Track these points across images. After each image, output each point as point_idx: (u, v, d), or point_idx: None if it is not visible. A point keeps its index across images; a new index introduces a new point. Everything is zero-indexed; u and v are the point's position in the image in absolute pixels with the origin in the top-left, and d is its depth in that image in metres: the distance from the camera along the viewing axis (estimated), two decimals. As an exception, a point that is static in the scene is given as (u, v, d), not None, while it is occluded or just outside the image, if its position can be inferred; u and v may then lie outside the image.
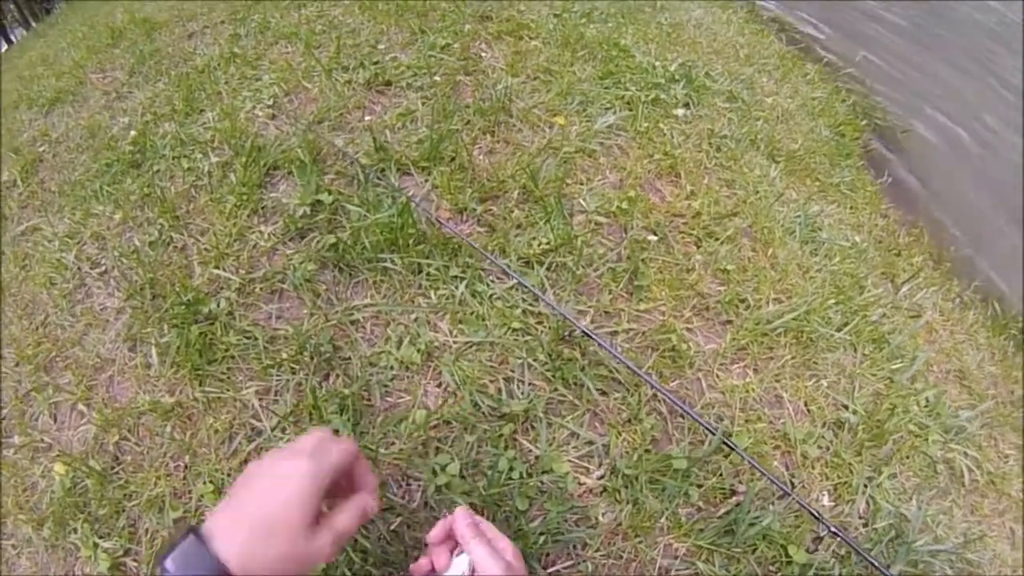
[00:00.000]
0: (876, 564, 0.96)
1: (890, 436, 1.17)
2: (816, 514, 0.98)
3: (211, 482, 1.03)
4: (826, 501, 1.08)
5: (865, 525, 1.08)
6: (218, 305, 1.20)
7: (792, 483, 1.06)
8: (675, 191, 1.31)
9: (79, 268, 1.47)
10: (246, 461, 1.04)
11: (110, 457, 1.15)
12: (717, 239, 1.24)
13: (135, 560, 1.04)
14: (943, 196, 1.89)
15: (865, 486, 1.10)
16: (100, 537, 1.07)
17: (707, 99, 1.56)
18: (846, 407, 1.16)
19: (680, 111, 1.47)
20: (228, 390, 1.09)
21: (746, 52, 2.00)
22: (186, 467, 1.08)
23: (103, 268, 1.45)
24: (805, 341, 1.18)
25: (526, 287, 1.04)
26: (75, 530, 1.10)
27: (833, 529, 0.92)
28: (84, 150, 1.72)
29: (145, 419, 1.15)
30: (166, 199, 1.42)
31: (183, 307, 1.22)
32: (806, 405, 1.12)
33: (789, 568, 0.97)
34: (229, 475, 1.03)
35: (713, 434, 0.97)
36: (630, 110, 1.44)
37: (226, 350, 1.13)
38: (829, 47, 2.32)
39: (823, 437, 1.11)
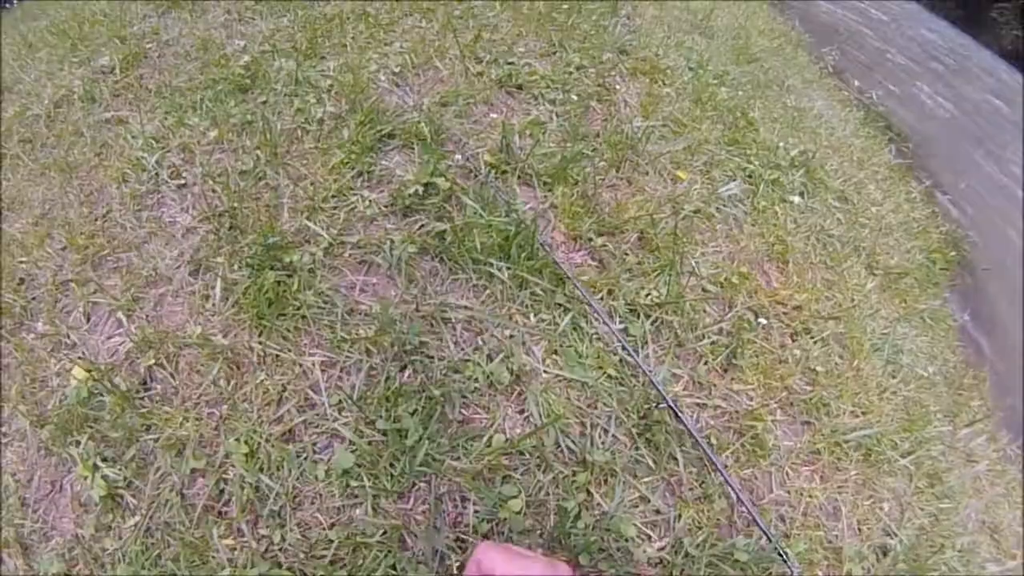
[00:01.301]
0: None
1: (928, 573, 1.14)
2: None
3: (246, 443, 0.96)
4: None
5: None
6: (301, 258, 1.14)
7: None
8: (781, 278, 1.28)
9: (157, 174, 1.41)
10: (291, 431, 0.98)
11: (139, 380, 1.08)
12: (812, 338, 1.21)
13: (134, 496, 0.96)
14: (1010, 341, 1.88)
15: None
16: (103, 460, 1.00)
17: (821, 193, 1.55)
18: (894, 534, 1.13)
19: (796, 198, 1.45)
20: (290, 351, 1.03)
21: (859, 155, 2.00)
22: (221, 418, 1.01)
23: (184, 181, 1.38)
24: (872, 460, 1.15)
25: (623, 343, 1.00)
26: (77, 443, 1.03)
27: None
28: (192, 60, 1.67)
29: (188, 352, 1.08)
30: (270, 132, 1.37)
31: (263, 248, 1.16)
32: (859, 524, 1.08)
33: None
34: (268, 441, 0.97)
35: (770, 540, 0.93)
36: (751, 184, 1.43)
37: (298, 308, 1.07)
38: (936, 173, 2.29)
39: (867, 558, 1.07)
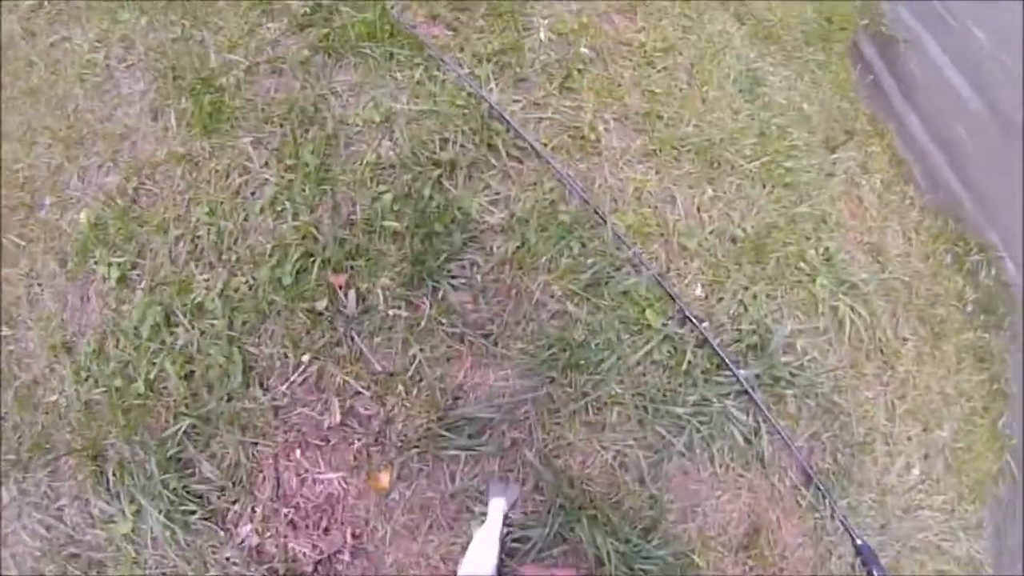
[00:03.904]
0: (722, 355, 1.16)
1: (773, 257, 1.34)
2: (669, 291, 1.19)
3: (208, 207, 1.33)
4: (699, 292, 1.28)
5: (732, 326, 1.27)
6: (228, 80, 1.47)
7: (668, 268, 1.26)
8: (628, 25, 1.45)
9: (108, 65, 1.73)
10: (236, 191, 1.33)
11: (129, 199, 1.43)
12: (654, 67, 1.39)
13: (138, 274, 1.34)
14: (927, 115, 1.88)
15: (738, 292, 1.29)
16: (114, 256, 1.36)
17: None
18: (736, 224, 1.33)
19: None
20: (230, 142, 1.38)
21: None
22: (190, 199, 1.38)
23: (130, 63, 1.68)
24: (712, 162, 1.34)
25: (465, 79, 1.25)
26: (95, 259, 1.37)
27: (684, 309, 1.12)
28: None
29: (161, 168, 1.43)
30: (189, 3, 1.67)
31: (200, 82, 1.49)
32: (698, 210, 1.30)
33: (647, 332, 1.19)
34: (222, 202, 1.33)
35: (586, 202, 1.18)
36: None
37: (231, 113, 1.40)
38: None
39: (706, 239, 1.29)
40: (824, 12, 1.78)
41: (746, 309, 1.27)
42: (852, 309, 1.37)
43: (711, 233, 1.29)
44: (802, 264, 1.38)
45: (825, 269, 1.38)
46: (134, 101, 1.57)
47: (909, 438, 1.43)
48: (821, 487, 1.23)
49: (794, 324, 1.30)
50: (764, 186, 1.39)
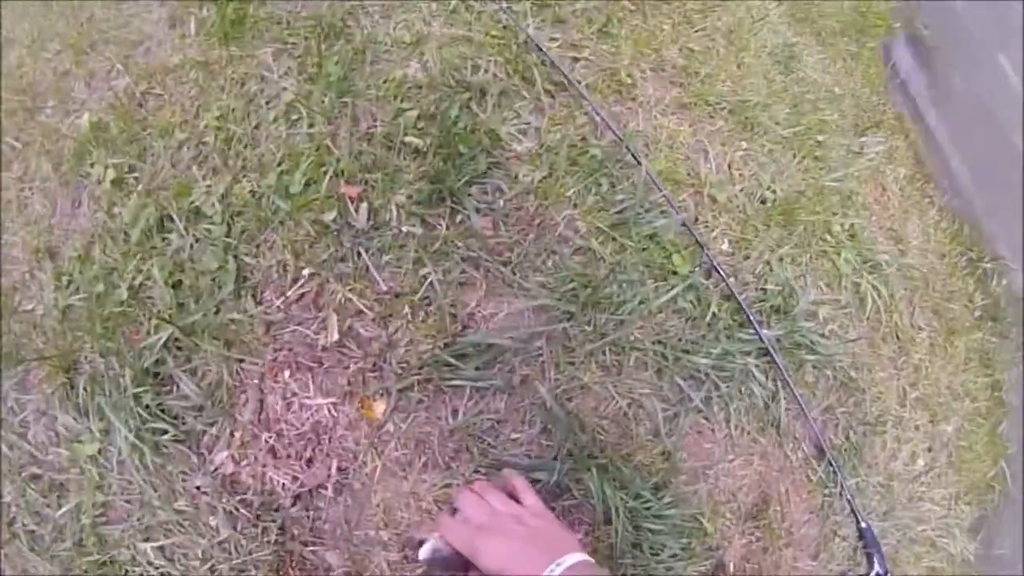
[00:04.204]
0: (747, 311, 1.12)
1: (800, 224, 1.30)
2: (698, 239, 1.15)
3: (218, 111, 1.26)
4: (725, 246, 1.24)
5: (757, 285, 1.23)
6: (253, -9, 1.42)
7: (696, 219, 1.22)
8: (667, -17, 1.43)
9: None
10: (251, 100, 1.27)
11: (135, 103, 1.34)
12: (692, 27, 1.37)
13: (135, 178, 1.24)
14: (953, 125, 1.91)
15: (764, 252, 1.24)
16: (111, 158, 1.26)
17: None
18: (765, 186, 1.30)
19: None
20: (249, 51, 1.32)
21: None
22: (200, 105, 1.30)
23: None
24: (746, 123, 1.31)
25: (503, 7, 1.21)
26: (91, 161, 1.28)
27: (712, 259, 1.08)
28: None
29: (173, 74, 1.35)
30: None
31: (224, -11, 1.44)
32: (729, 167, 1.26)
33: (672, 278, 1.14)
34: (233, 112, 1.26)
35: (620, 140, 1.14)
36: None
37: (255, 23, 1.34)
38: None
39: (736, 196, 1.26)
40: (860, 7, 1.79)
41: (771, 270, 1.22)
42: (874, 288, 1.34)
43: (741, 191, 1.25)
44: (827, 236, 1.34)
45: (850, 244, 1.35)
46: (152, 9, 1.50)
47: (917, 427, 1.40)
48: (834, 463, 1.17)
49: (817, 293, 1.26)
50: (795, 155, 1.36)
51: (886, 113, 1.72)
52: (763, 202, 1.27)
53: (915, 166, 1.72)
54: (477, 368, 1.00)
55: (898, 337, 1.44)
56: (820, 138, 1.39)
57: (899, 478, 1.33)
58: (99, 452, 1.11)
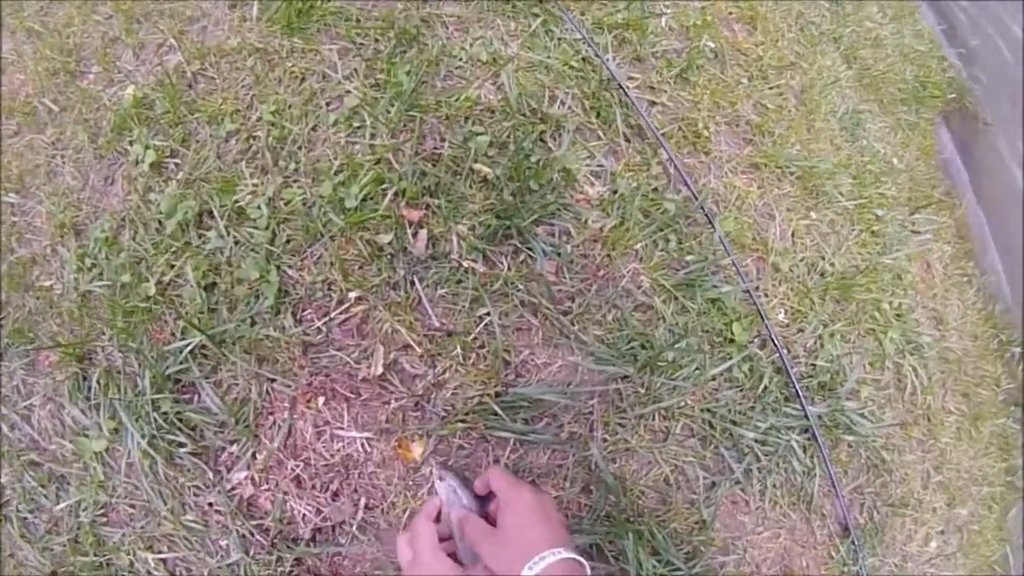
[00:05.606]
0: (797, 387, 1.10)
1: (855, 301, 1.29)
2: (760, 309, 1.12)
3: (275, 105, 1.19)
4: (782, 317, 1.21)
5: (807, 360, 1.21)
6: (323, -18, 1.34)
7: (758, 286, 1.19)
8: (747, 36, 1.39)
9: None
10: (311, 98, 1.20)
11: (186, 83, 1.28)
12: (767, 83, 1.34)
13: (176, 164, 1.18)
14: (988, 203, 1.92)
15: (818, 327, 1.22)
16: (153, 139, 1.20)
17: (807, -11, 1.62)
18: (826, 259, 1.27)
19: (778, -17, 1.53)
20: (313, 45, 1.24)
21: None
22: (255, 96, 1.23)
23: None
24: (812, 191, 1.29)
25: (587, 38, 1.16)
26: (131, 138, 1.22)
27: (771, 330, 1.05)
28: None
29: (229, 58, 1.28)
30: None
31: (291, -24, 1.36)
32: (793, 235, 1.24)
33: (729, 346, 1.11)
34: (290, 107, 1.20)
35: (695, 196, 1.10)
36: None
37: (322, 16, 1.26)
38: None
39: (797, 266, 1.23)
40: (921, 76, 1.79)
41: (823, 345, 1.20)
42: (914, 370, 1.33)
43: (802, 260, 1.23)
44: (876, 314, 1.33)
45: (896, 323, 1.34)
46: (212, -16, 1.42)
47: (934, 509, 1.40)
48: (856, 542, 1.16)
49: (861, 372, 1.24)
50: (855, 228, 1.34)
51: (937, 187, 1.72)
52: (822, 275, 1.25)
53: (959, 243, 1.73)
54: (525, 421, 0.95)
55: (929, 420, 1.44)
56: (879, 212, 1.38)
57: (913, 559, 1.33)
58: (106, 451, 1.05)
